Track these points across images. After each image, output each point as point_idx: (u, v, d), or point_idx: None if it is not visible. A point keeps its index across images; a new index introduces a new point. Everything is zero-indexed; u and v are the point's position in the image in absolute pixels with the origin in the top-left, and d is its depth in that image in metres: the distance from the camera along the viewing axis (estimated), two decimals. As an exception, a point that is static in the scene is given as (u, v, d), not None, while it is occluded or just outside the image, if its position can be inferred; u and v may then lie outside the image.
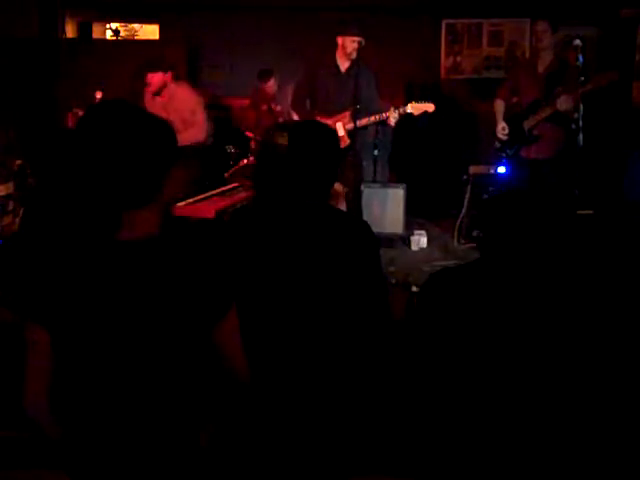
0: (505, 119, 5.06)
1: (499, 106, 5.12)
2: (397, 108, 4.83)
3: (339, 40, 4.93)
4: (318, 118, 4.62)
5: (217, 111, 6.41)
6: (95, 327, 1.57)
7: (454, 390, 1.82)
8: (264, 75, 6.34)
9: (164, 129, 1.62)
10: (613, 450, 1.79)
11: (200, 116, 5.12)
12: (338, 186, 3.36)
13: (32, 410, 1.65)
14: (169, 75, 5.10)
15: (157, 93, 5.09)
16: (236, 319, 1.72)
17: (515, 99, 5.07)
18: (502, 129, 5.03)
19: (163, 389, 1.62)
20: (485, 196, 5.31)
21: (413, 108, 4.83)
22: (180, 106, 5.02)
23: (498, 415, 1.76)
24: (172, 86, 5.12)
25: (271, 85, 6.32)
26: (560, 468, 1.75)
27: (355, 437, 2.07)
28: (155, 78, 5.05)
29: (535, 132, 4.89)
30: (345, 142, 4.78)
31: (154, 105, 4.95)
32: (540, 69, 4.92)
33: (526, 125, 4.91)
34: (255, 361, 1.79)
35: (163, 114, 2.00)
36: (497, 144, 5.11)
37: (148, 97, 5.12)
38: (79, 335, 1.58)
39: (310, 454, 2.02)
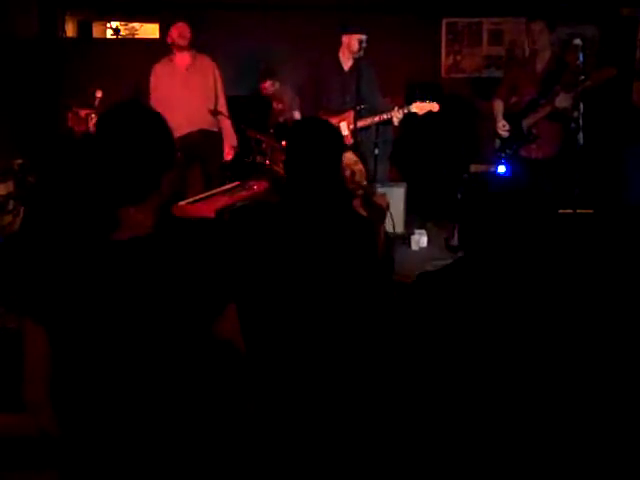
0: (504, 118, 5.05)
1: (498, 106, 5.10)
2: (401, 107, 4.81)
3: (344, 39, 4.91)
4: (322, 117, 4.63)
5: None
6: (93, 325, 1.57)
7: (447, 390, 1.82)
8: (260, 76, 6.35)
9: (161, 127, 1.64)
10: (606, 450, 1.79)
11: None
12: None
13: (32, 404, 1.66)
14: None
15: None
16: (235, 314, 1.73)
17: (514, 98, 5.05)
18: (503, 125, 5.01)
19: (161, 387, 1.62)
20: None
21: (417, 108, 4.82)
22: None
23: (492, 415, 1.76)
24: None
25: (267, 87, 6.32)
26: (552, 469, 1.74)
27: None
28: None
29: (534, 131, 4.88)
30: (349, 141, 4.78)
31: None
32: (538, 68, 4.91)
33: (525, 124, 4.90)
34: (271, 351, 1.83)
35: None
36: (497, 142, 5.10)
37: None
38: (77, 333, 1.58)
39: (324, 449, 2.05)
